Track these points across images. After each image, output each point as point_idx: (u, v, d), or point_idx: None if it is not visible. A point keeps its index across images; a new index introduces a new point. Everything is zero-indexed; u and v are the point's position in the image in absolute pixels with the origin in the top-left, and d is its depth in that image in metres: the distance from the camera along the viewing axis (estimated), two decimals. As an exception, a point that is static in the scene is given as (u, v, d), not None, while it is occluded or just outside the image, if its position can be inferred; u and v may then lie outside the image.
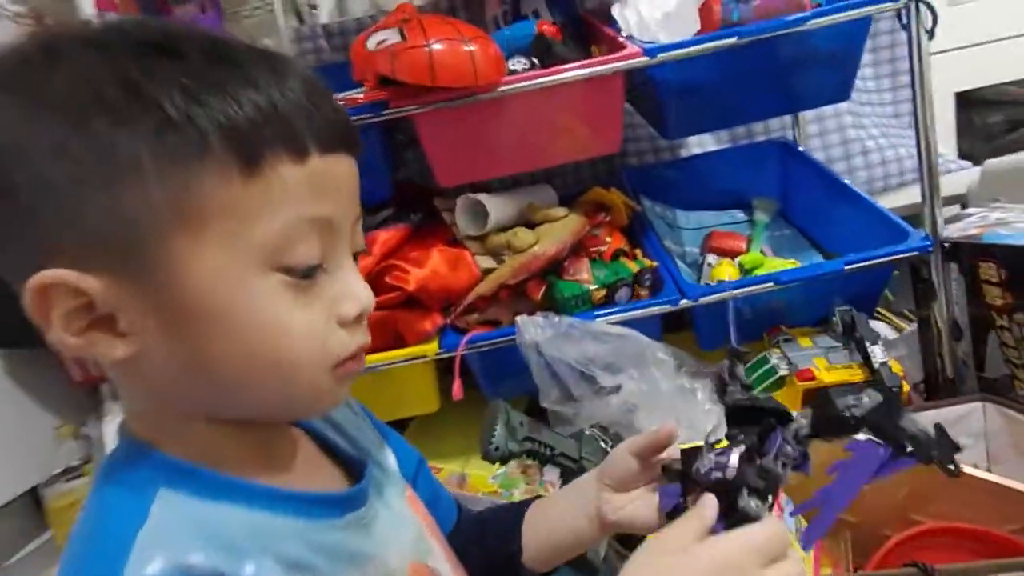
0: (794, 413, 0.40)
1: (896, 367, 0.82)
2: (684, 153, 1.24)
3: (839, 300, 0.92)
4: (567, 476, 0.77)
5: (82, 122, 0.28)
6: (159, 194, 0.29)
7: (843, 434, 0.38)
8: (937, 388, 0.92)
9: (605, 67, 0.79)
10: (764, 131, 1.24)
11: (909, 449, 0.35)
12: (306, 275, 0.32)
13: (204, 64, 0.30)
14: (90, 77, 0.29)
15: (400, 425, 1.04)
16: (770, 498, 0.39)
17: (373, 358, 0.84)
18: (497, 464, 0.75)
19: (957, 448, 0.33)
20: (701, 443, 0.43)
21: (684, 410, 0.83)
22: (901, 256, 0.85)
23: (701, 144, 1.25)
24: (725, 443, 0.42)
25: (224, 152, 0.29)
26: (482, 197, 0.94)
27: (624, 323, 0.86)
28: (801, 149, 1.14)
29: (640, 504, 0.45)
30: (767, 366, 0.89)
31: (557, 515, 0.48)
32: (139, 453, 0.33)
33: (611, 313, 0.86)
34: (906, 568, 0.58)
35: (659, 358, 0.82)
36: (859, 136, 1.23)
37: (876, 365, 0.81)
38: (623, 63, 0.79)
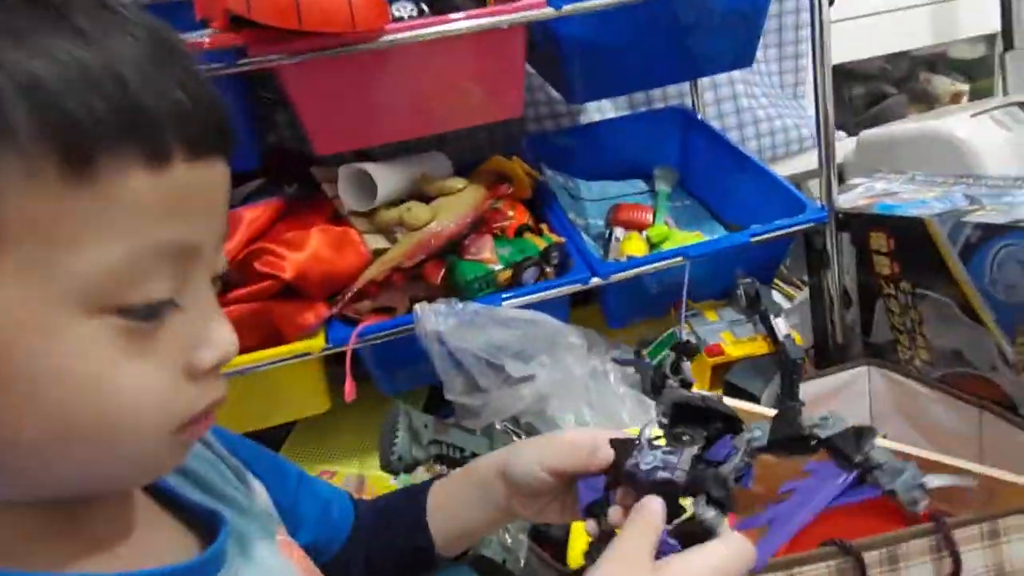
0: (751, 424, 0.35)
1: (798, 339, 0.83)
2: (584, 120, 1.19)
3: (740, 271, 0.91)
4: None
5: None
6: None
7: (801, 453, 0.34)
8: (827, 353, 0.94)
9: (505, 18, 0.70)
10: (662, 98, 1.21)
11: (872, 478, 0.32)
12: (148, 316, 0.24)
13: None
14: None
15: (285, 427, 0.92)
16: (726, 510, 0.34)
17: (247, 359, 0.72)
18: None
19: (924, 487, 0.30)
20: (633, 434, 0.38)
21: (597, 396, 0.78)
22: (801, 228, 0.85)
23: (601, 111, 1.20)
24: (663, 440, 0.37)
25: (35, 140, 0.21)
26: (368, 166, 0.82)
27: (531, 305, 0.79)
28: (700, 117, 1.12)
29: (557, 503, 0.41)
30: (675, 342, 0.87)
31: (465, 505, 0.44)
32: None
33: (518, 296, 0.79)
34: (824, 548, 0.56)
35: (571, 342, 0.76)
36: (751, 105, 1.23)
37: (780, 338, 0.81)
38: (525, 14, 0.70)
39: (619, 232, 0.92)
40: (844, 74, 1.51)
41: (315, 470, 0.88)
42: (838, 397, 0.86)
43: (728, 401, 0.64)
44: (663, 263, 0.82)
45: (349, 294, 0.77)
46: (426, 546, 0.44)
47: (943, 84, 1.55)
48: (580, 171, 1.13)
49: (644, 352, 0.91)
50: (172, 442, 0.27)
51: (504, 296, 0.78)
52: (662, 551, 0.33)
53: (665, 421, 0.38)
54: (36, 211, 0.21)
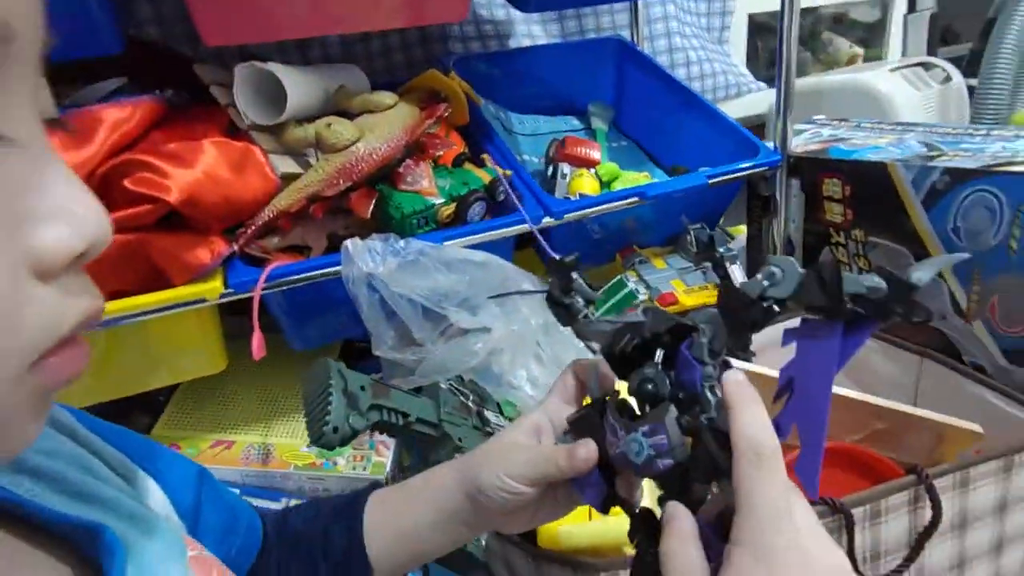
0: (697, 323, 0.31)
1: (751, 287, 0.80)
2: (513, 44, 1.07)
3: (686, 218, 0.87)
4: (425, 445, 0.60)
5: None
6: None
7: (767, 325, 0.29)
8: (763, 303, 0.93)
9: None
10: (596, 28, 1.13)
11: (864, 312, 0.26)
12: None
13: None
14: None
15: (163, 391, 0.75)
16: None
17: (119, 305, 0.55)
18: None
19: (915, 289, 0.24)
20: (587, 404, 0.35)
21: (551, 350, 0.70)
22: (755, 170, 0.81)
23: (531, 37, 1.09)
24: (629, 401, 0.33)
25: None
26: (275, 68, 0.66)
27: (475, 246, 0.69)
28: (639, 49, 1.05)
29: (523, 512, 0.37)
30: (625, 290, 0.81)
31: (416, 533, 0.39)
32: None
33: (463, 235, 0.68)
34: (815, 506, 0.54)
35: (525, 289, 0.67)
36: (683, 45, 1.19)
37: (738, 286, 0.77)
38: None
39: (566, 168, 0.84)
40: (756, 26, 1.51)
41: (206, 440, 0.73)
42: (780, 347, 0.85)
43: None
44: (620, 203, 0.75)
45: (254, 227, 0.62)
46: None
47: (843, 46, 1.60)
48: (509, 102, 1.02)
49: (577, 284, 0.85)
50: (24, 389, 0.18)
51: (446, 235, 0.67)
52: (708, 544, 0.28)
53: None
54: None
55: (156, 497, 0.32)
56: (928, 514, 0.51)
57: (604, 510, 0.35)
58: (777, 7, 1.45)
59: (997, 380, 0.62)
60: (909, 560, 0.50)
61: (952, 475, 0.52)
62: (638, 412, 0.33)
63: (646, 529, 0.32)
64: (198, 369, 0.67)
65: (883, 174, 0.71)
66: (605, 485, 0.34)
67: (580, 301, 0.37)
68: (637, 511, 0.33)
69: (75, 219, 0.18)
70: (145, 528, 0.27)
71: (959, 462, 0.53)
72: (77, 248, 0.18)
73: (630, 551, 0.48)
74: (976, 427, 0.59)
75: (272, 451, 0.75)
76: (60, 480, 0.26)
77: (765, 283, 0.29)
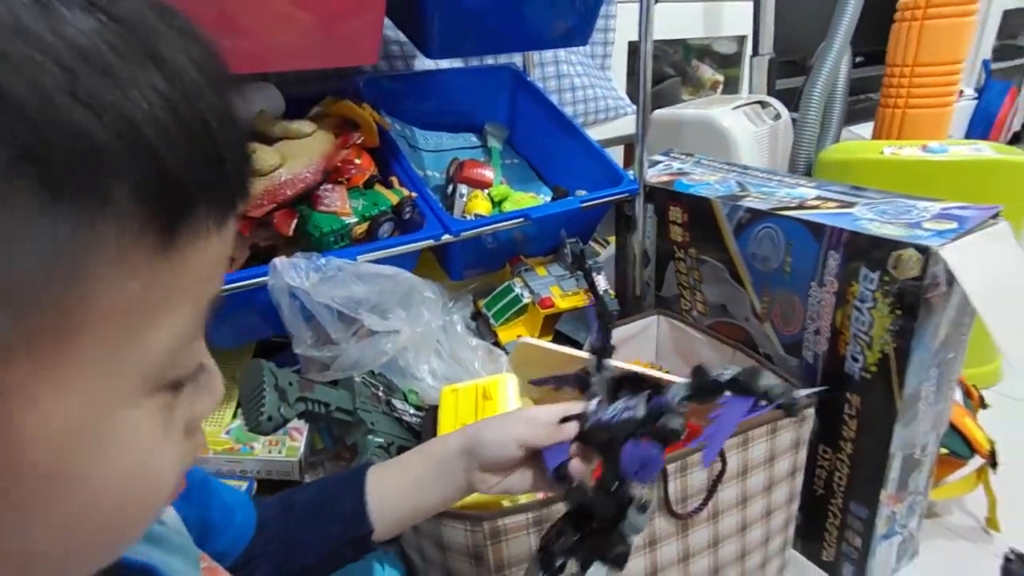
0: (674, 381, 0.45)
1: (612, 294, 0.97)
2: (418, 66, 1.18)
3: (565, 232, 1.03)
4: (344, 429, 0.72)
5: None
6: (57, 235, 0.15)
7: (716, 396, 0.44)
8: (626, 303, 1.12)
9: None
10: (492, 56, 1.25)
11: (770, 396, 0.43)
12: (183, 384, 0.21)
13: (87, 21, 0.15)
14: None
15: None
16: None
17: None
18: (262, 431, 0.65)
19: (795, 396, 0.42)
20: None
21: (449, 346, 0.84)
22: (618, 196, 0.99)
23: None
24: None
25: (133, 203, 0.16)
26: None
27: (383, 259, 0.81)
28: (529, 79, 1.19)
29: (517, 475, 0.45)
30: (512, 295, 0.96)
31: (417, 487, 0.45)
32: None
33: (373, 250, 0.79)
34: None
35: (427, 297, 0.80)
36: (569, 72, 1.34)
37: (600, 292, 0.95)
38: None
39: (464, 189, 0.96)
40: (635, 51, 1.70)
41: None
42: (635, 340, 1.04)
43: (565, 349, 0.75)
44: (508, 223, 0.89)
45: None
46: (365, 535, 0.44)
47: (707, 73, 1.84)
48: (414, 119, 1.13)
49: (481, 303, 0.99)
50: None
51: (359, 250, 0.78)
52: (644, 457, 0.41)
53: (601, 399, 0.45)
54: (124, 291, 0.17)
55: (169, 512, 0.33)
56: (719, 466, 0.70)
57: (555, 473, 0.43)
58: (655, 36, 1.64)
59: (779, 366, 0.83)
60: (707, 500, 0.69)
61: (735, 436, 0.72)
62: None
63: (577, 494, 0.43)
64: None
65: (708, 207, 0.91)
66: (567, 457, 0.44)
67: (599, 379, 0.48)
68: (573, 484, 0.44)
69: (218, 392, 0.24)
70: (166, 546, 0.30)
71: (740, 426, 0.72)
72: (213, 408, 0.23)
73: (508, 503, 0.63)
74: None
75: (196, 438, 0.83)
76: None
77: (721, 371, 0.44)
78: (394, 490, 0.45)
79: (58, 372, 0.16)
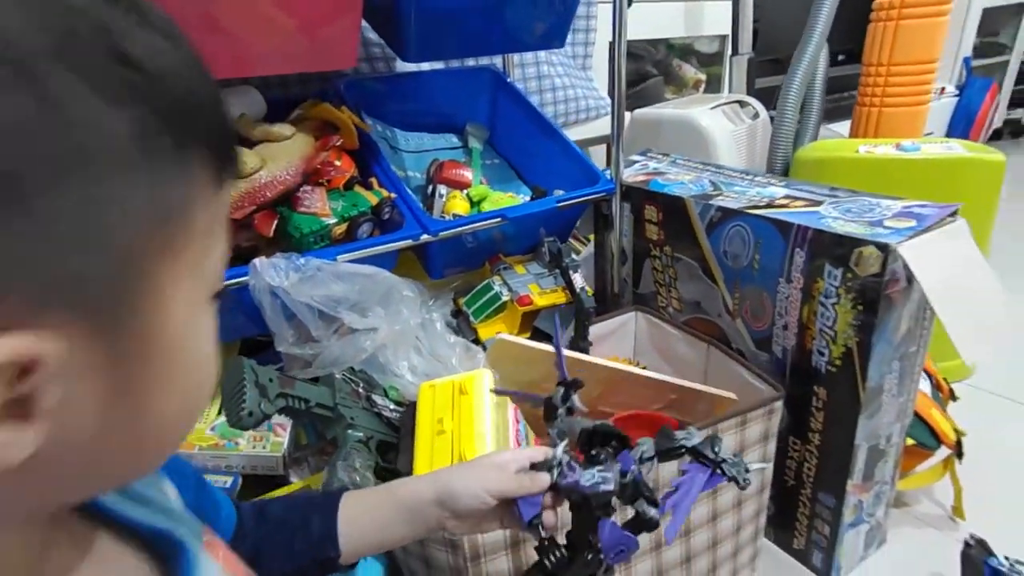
0: (637, 441, 0.48)
1: (590, 291, 1.00)
2: (399, 68, 1.19)
3: (544, 231, 1.05)
4: (325, 424, 0.74)
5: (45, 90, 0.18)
6: (149, 205, 0.21)
7: (677, 457, 0.46)
8: (605, 300, 1.14)
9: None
10: (473, 58, 1.27)
11: (723, 470, 0.46)
12: (217, 297, 0.26)
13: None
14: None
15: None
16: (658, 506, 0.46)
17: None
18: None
19: (747, 468, 0.45)
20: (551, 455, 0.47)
21: (428, 343, 0.86)
22: (595, 196, 1.01)
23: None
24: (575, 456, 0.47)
25: (211, 149, 0.23)
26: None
27: (363, 260, 0.83)
28: (509, 80, 1.21)
29: (491, 520, 0.46)
30: (491, 293, 0.98)
31: (387, 524, 0.47)
32: None
33: (353, 250, 0.81)
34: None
35: (405, 295, 0.82)
36: (550, 73, 1.36)
37: (577, 290, 0.97)
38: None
39: (443, 190, 0.98)
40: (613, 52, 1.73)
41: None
42: (613, 336, 1.06)
43: (541, 345, 0.77)
44: (486, 223, 0.91)
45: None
46: (334, 557, 0.45)
47: (689, 71, 1.86)
48: (395, 120, 1.14)
49: (461, 301, 1.01)
50: None
51: (339, 251, 0.80)
52: (621, 542, 0.43)
53: (565, 451, 0.47)
54: (203, 219, 0.23)
55: (171, 494, 0.35)
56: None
57: (528, 524, 0.45)
58: (635, 35, 1.66)
59: (751, 361, 0.86)
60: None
61: (706, 429, 0.74)
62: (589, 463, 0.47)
63: (549, 548, 0.46)
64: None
65: (682, 206, 0.93)
66: (539, 508, 0.45)
67: (564, 411, 0.51)
68: (544, 536, 0.46)
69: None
70: (175, 519, 0.32)
71: (713, 419, 0.75)
72: None
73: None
74: (732, 395, 0.82)
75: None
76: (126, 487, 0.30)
77: (684, 436, 0.47)
78: (364, 521, 0.47)
79: (178, 275, 0.22)
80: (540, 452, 0.47)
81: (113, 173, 0.19)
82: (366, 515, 0.47)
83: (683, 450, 0.46)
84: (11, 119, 0.17)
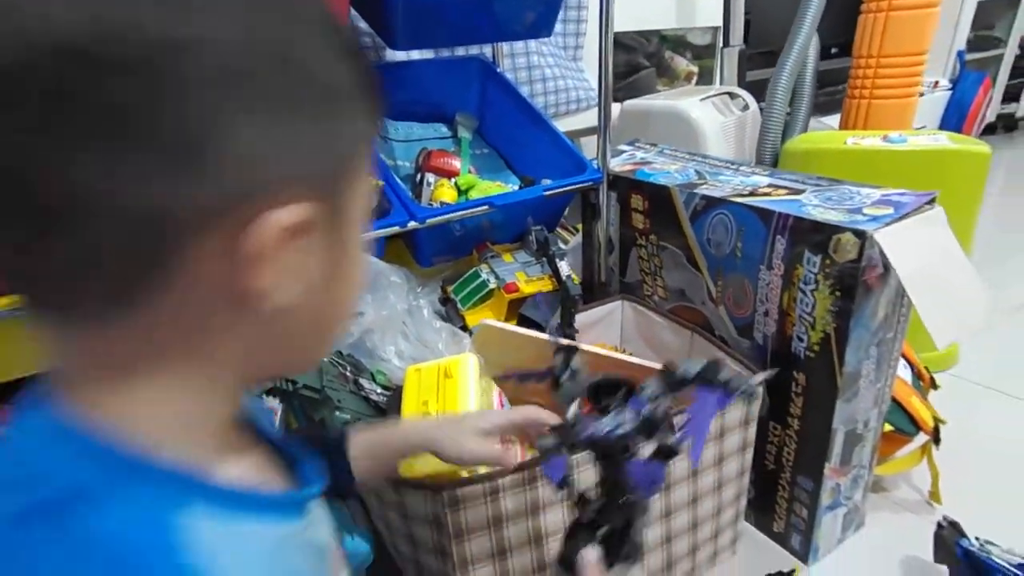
0: (645, 383, 0.49)
1: (576, 279, 1.01)
2: (388, 55, 1.20)
3: (532, 220, 1.06)
4: (312, 406, 0.75)
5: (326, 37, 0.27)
6: (360, 126, 0.28)
7: (683, 389, 0.48)
8: (592, 289, 1.16)
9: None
10: (463, 48, 1.28)
11: (730, 388, 0.48)
12: None
13: None
14: None
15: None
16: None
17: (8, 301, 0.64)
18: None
19: (751, 384, 0.46)
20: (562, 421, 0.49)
21: (415, 329, 0.87)
22: (583, 185, 1.02)
23: (406, 51, 1.22)
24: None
25: (374, 100, 0.29)
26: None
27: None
28: (499, 70, 1.21)
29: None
30: (479, 280, 0.99)
31: (385, 460, 0.53)
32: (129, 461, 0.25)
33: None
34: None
35: (393, 281, 0.83)
36: (540, 63, 1.37)
37: (563, 278, 0.98)
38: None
39: (431, 178, 0.99)
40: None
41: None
42: (600, 324, 1.07)
43: (526, 331, 0.79)
44: (472, 211, 0.92)
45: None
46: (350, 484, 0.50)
47: (682, 64, 1.87)
48: (385, 109, 1.15)
49: (449, 288, 1.02)
50: None
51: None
52: (651, 474, 0.45)
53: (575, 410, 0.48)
54: (365, 161, 0.29)
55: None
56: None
57: (561, 484, 0.48)
58: (626, 27, 1.66)
59: (732, 348, 0.87)
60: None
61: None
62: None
63: (585, 503, 0.47)
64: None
65: (667, 195, 0.94)
66: (565, 469, 0.48)
67: (568, 375, 0.53)
68: (576, 492, 0.48)
69: None
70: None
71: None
72: None
73: (465, 474, 0.66)
74: (714, 382, 0.83)
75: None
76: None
77: (687, 367, 0.48)
78: (360, 458, 0.51)
79: (361, 184, 0.29)
80: (522, 412, 0.51)
81: (351, 101, 0.27)
82: (371, 455, 0.52)
83: (687, 381, 0.47)
84: (319, 71, 0.26)
